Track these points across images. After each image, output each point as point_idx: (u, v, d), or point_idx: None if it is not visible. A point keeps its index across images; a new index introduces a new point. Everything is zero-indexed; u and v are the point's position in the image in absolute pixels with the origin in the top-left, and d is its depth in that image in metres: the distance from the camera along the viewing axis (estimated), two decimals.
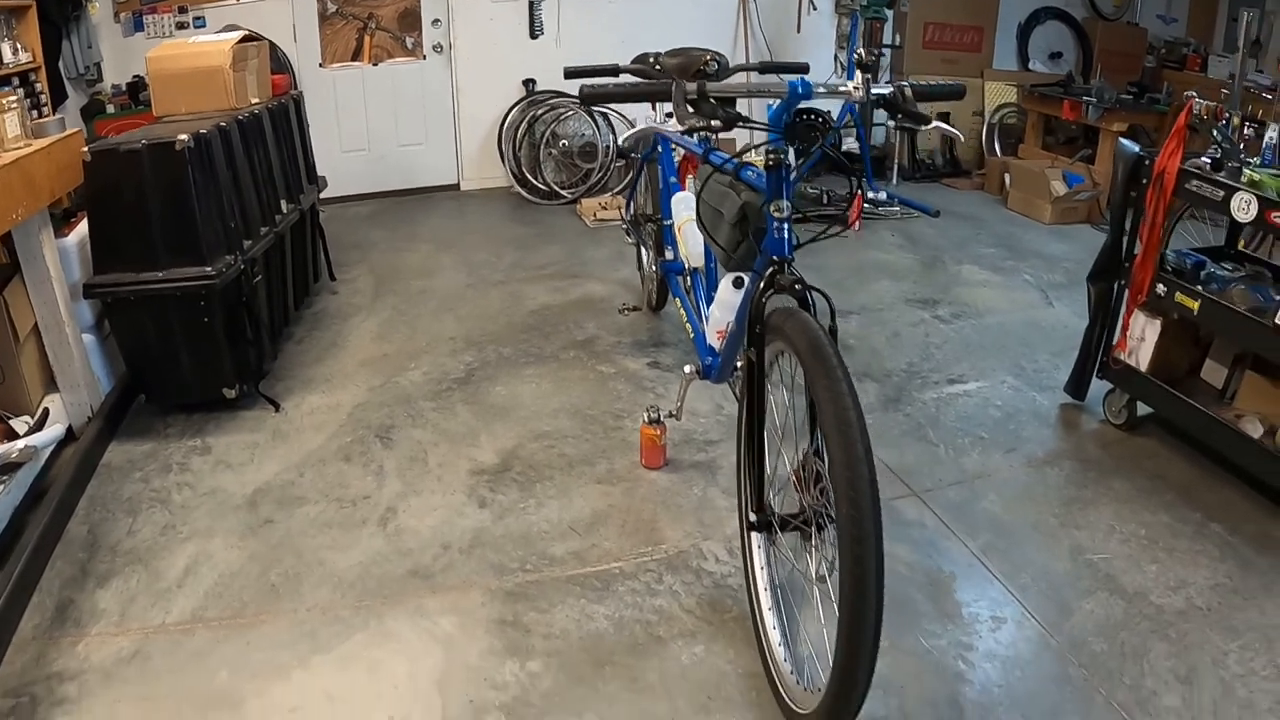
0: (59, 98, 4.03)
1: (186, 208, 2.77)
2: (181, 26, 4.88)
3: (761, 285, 1.83)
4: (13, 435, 2.53)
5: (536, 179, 5.70)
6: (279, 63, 4.89)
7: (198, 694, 1.96)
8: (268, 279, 3.35)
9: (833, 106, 5.81)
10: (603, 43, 5.66)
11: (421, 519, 2.57)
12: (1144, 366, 2.79)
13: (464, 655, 2.05)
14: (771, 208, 1.81)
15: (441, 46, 5.51)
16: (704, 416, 3.04)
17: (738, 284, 2.27)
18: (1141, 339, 2.80)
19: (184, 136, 2.68)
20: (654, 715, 1.87)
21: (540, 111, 5.56)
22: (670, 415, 2.76)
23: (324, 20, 5.15)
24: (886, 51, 6.19)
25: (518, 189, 5.76)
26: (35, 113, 3.47)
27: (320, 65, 5.32)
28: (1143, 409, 2.89)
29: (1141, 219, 2.72)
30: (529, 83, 5.66)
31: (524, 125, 5.58)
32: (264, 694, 1.96)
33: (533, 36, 5.58)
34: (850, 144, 5.84)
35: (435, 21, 5.37)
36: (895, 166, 6.03)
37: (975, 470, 2.73)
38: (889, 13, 5.92)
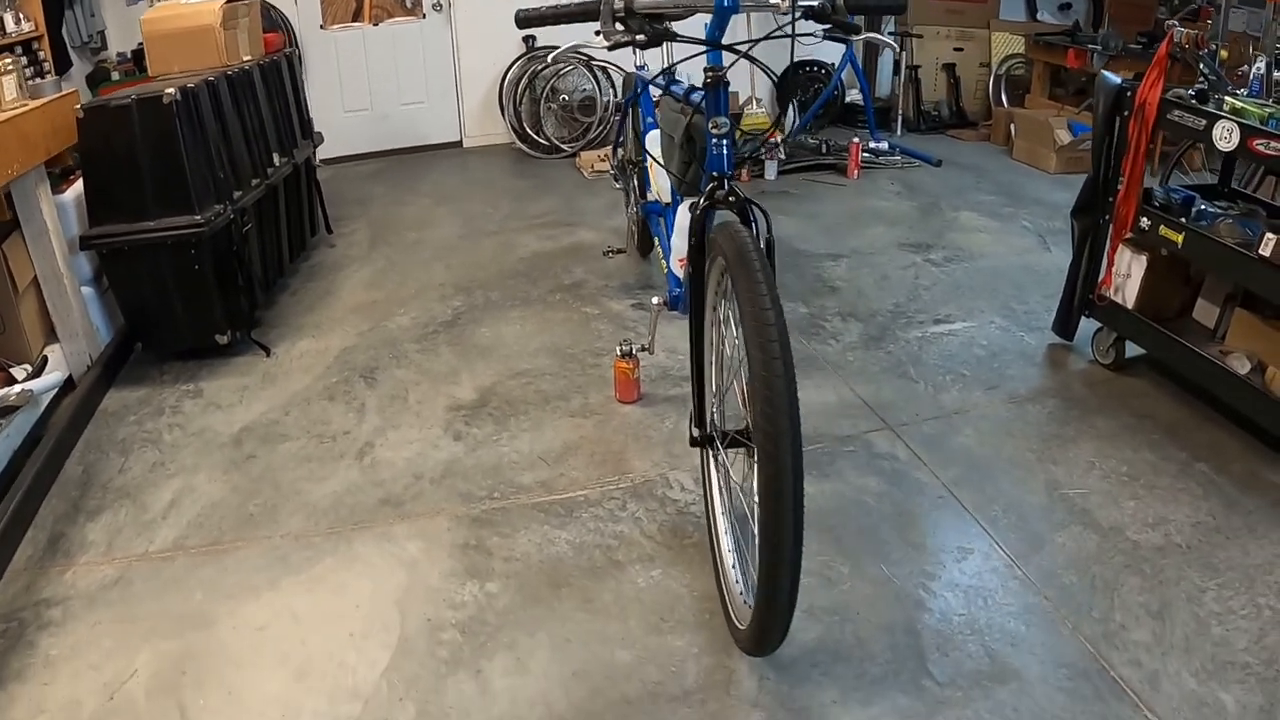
0: (64, 66, 4.10)
1: (175, 159, 2.81)
2: None
3: (701, 201, 1.82)
4: (11, 382, 2.62)
5: (537, 134, 5.67)
6: (272, 22, 4.89)
7: (173, 615, 2.03)
8: (260, 229, 3.39)
9: (833, 56, 5.68)
10: None
11: (397, 451, 2.62)
12: (1130, 303, 2.71)
13: (426, 577, 2.10)
14: (710, 124, 1.78)
15: (441, 5, 5.46)
16: (682, 353, 3.03)
17: (693, 209, 2.26)
18: (1127, 275, 2.71)
19: (171, 90, 2.71)
20: (606, 635, 1.90)
21: (540, 67, 5.51)
22: (642, 349, 2.77)
23: None
24: None
25: (519, 144, 5.73)
26: (40, 77, 3.54)
27: (321, 26, 5.32)
28: (1133, 350, 2.82)
29: (1125, 152, 2.65)
30: (529, 39, 5.60)
31: (524, 81, 5.54)
32: (235, 614, 2.03)
33: None
34: (854, 95, 5.74)
35: None
36: (899, 117, 5.90)
37: (953, 406, 2.70)
38: None
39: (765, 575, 1.51)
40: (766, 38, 1.75)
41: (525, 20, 1.73)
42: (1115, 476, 2.35)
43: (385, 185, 5.45)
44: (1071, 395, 2.76)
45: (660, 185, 2.78)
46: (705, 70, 1.79)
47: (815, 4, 1.71)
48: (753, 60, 1.82)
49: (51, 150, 2.67)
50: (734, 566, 1.91)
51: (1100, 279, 2.81)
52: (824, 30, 1.73)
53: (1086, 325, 2.93)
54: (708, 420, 1.96)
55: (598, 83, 5.55)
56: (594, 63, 5.44)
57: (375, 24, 5.37)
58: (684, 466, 2.44)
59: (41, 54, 3.66)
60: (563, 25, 1.76)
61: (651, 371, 2.90)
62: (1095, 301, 2.83)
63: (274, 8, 5.18)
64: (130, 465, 2.63)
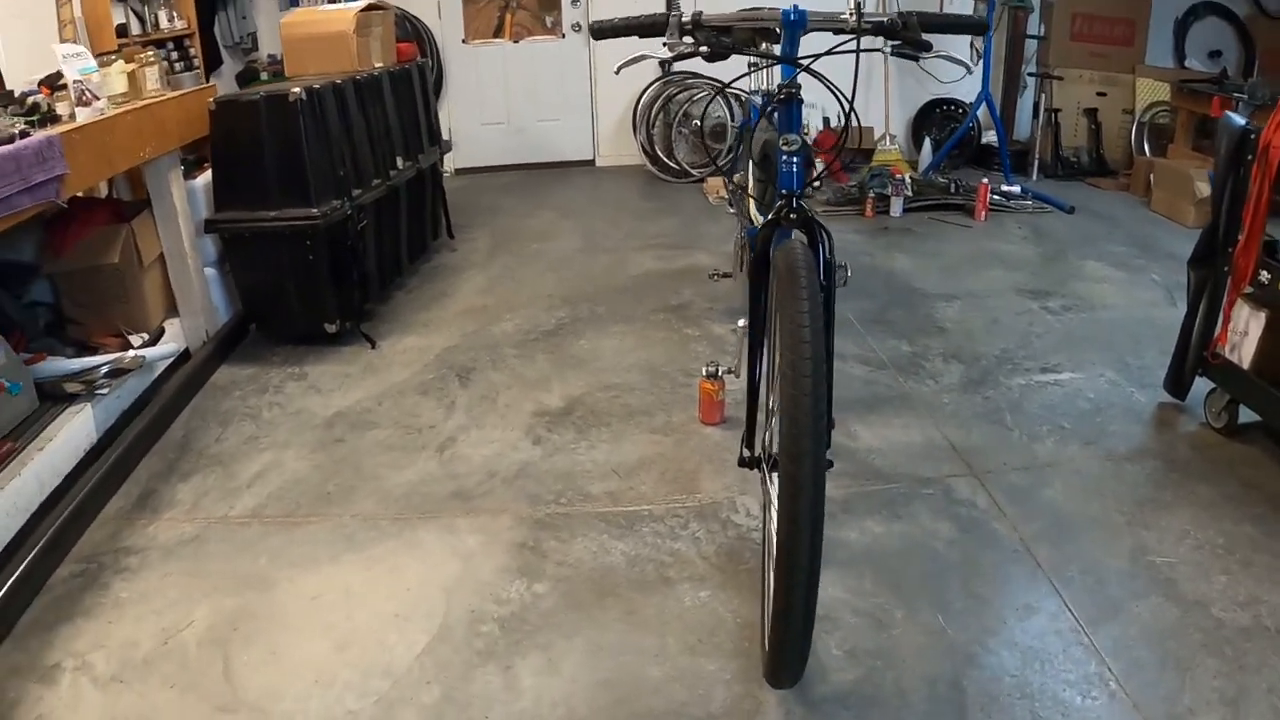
0: (214, 64, 4.51)
1: (297, 154, 3.04)
2: (332, 2, 5.29)
3: (769, 218, 1.79)
4: (127, 347, 2.88)
5: (669, 158, 5.76)
6: (407, 32, 5.20)
7: (237, 575, 2.16)
8: (379, 228, 3.60)
9: (972, 95, 5.50)
10: None
11: (477, 449, 2.70)
12: (1246, 364, 2.45)
13: (478, 570, 2.14)
14: (781, 141, 1.76)
15: (580, 25, 5.67)
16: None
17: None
18: (1244, 333, 2.46)
19: (296, 90, 2.95)
20: (641, 648, 1.87)
21: (675, 92, 5.62)
22: (729, 372, 2.74)
23: (468, 1, 5.45)
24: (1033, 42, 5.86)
25: (650, 167, 5.85)
26: (188, 73, 3.92)
27: (463, 41, 5.63)
28: (1248, 415, 2.55)
29: (1246, 199, 2.43)
30: (665, 64, 5.72)
31: (658, 105, 5.66)
32: (294, 581, 2.13)
33: (669, 11, 5.63)
34: (991, 136, 5.56)
35: (574, 1, 5.54)
36: (1036, 161, 5.64)
37: (1046, 458, 2.52)
38: (1034, 2, 5.55)
39: (779, 599, 1.45)
40: (829, 53, 1.72)
41: (600, 31, 1.78)
42: (1210, 548, 2.13)
43: (515, 197, 5.68)
44: (1175, 458, 2.53)
45: (754, 209, 2.76)
46: (780, 87, 1.78)
47: (884, 20, 1.67)
48: (817, 75, 1.77)
49: (185, 138, 2.96)
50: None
51: (1215, 336, 2.56)
52: (893, 46, 1.68)
53: (1202, 385, 2.68)
54: (757, 441, 1.91)
55: (730, 109, 5.60)
56: (727, 90, 5.49)
57: (515, 41, 5.63)
58: (754, 492, 2.39)
59: (192, 51, 4.06)
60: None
61: (738, 394, 2.86)
62: (1209, 360, 2.58)
63: (418, 21, 5.53)
64: (227, 436, 2.83)
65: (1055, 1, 5.81)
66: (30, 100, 2.52)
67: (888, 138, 5.49)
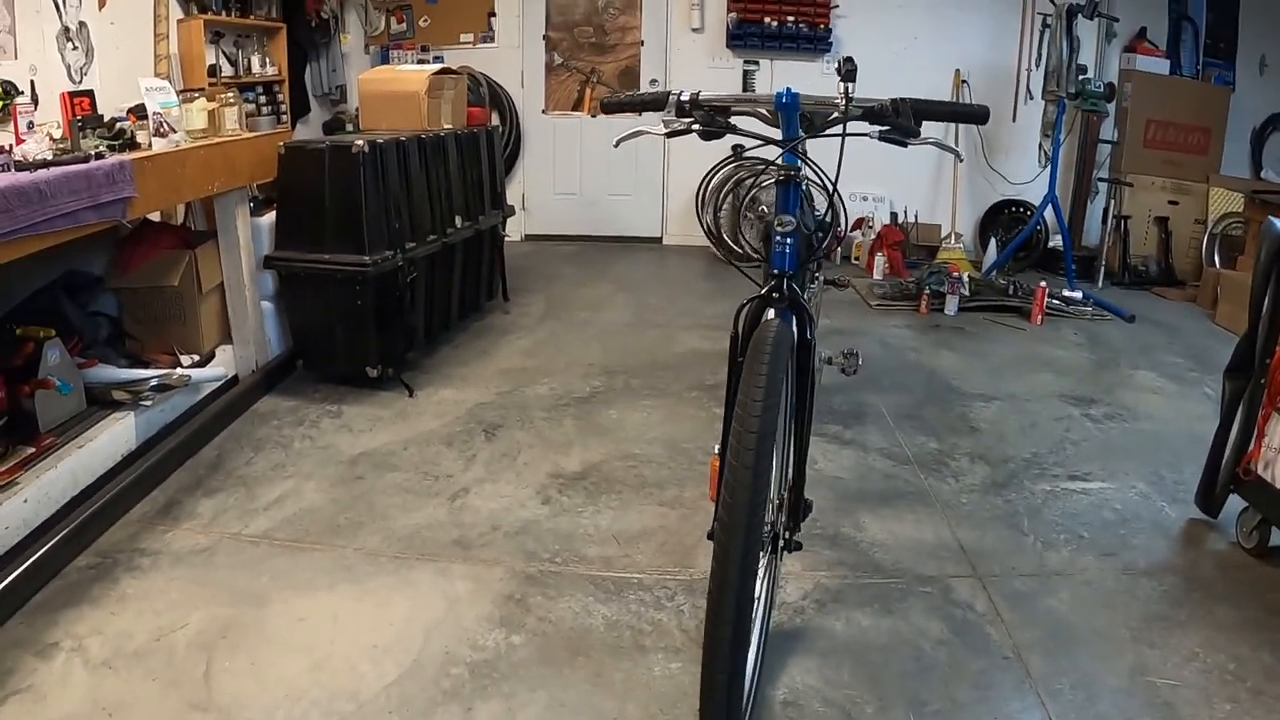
0: (303, 111, 4.95)
1: (354, 203, 3.35)
2: (422, 63, 5.78)
3: (757, 298, 1.88)
4: (177, 366, 3.15)
5: (734, 241, 5.95)
6: (483, 98, 5.59)
7: (236, 588, 2.33)
8: (431, 282, 3.87)
9: (1035, 196, 5.55)
10: None
11: (487, 502, 2.84)
12: (1279, 483, 2.44)
13: (462, 615, 2.26)
14: (776, 222, 1.90)
15: None
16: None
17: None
18: (1279, 450, 2.45)
19: (360, 143, 3.26)
20: (599, 710, 1.95)
21: (744, 176, 5.85)
22: None
23: (550, 71, 5.87)
24: (1107, 147, 5.93)
25: (713, 249, 6.05)
26: (275, 118, 4.34)
27: (543, 111, 6.03)
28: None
29: None
30: (737, 148, 5.93)
31: (727, 188, 5.89)
32: (287, 601, 2.29)
33: None
34: (1058, 240, 5.59)
35: (653, 81, 5.89)
36: (1103, 268, 5.67)
37: (1057, 566, 2.52)
38: (1109, 107, 5.63)
39: (702, 675, 1.51)
40: (815, 135, 1.85)
41: (608, 106, 1.96)
42: (1218, 673, 2.08)
43: (577, 267, 5.96)
44: (1196, 576, 2.49)
45: None
46: (778, 169, 1.91)
47: (873, 105, 1.80)
48: (803, 159, 1.90)
49: (255, 178, 3.31)
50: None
51: (1249, 451, 2.53)
52: (881, 132, 1.80)
53: (1236, 502, 2.64)
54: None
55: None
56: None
57: (593, 116, 5.98)
58: None
59: (280, 96, 4.49)
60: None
61: None
62: (1241, 476, 2.54)
63: (501, 88, 5.94)
64: (257, 460, 3.05)
65: (1130, 106, 5.90)
66: (118, 126, 2.88)
67: (953, 235, 5.58)
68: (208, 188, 2.98)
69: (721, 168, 5.85)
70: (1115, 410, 3.66)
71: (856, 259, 5.86)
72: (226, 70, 4.21)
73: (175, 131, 2.84)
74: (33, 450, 2.48)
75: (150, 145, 2.80)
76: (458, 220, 3.97)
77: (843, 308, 5.04)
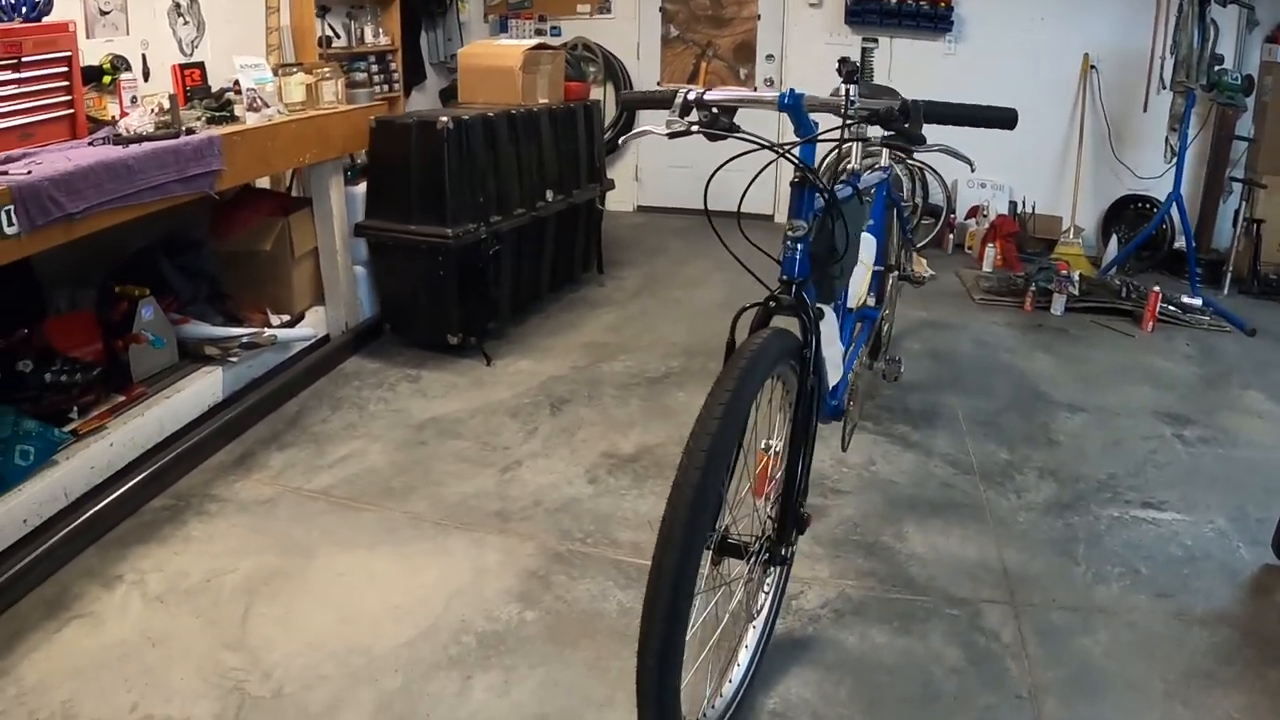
0: (418, 79, 5.14)
1: (438, 177, 3.50)
2: (539, 33, 5.92)
3: (758, 304, 1.88)
4: (267, 325, 3.43)
5: None
6: (590, 70, 5.62)
7: (288, 540, 2.56)
8: (519, 254, 4.01)
9: (1164, 192, 5.16)
10: (931, 94, 5.56)
11: (535, 477, 2.96)
12: None
13: (485, 587, 2.39)
14: (788, 226, 1.88)
15: (772, 81, 5.89)
16: (850, 466, 3.02)
17: (818, 315, 2.32)
18: None
19: (444, 119, 3.40)
20: (590, 695, 2.02)
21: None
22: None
23: (666, 43, 5.86)
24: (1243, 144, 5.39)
25: None
26: (386, 87, 4.55)
27: (658, 84, 6.01)
28: None
29: None
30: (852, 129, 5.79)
31: (841, 170, 5.75)
32: (331, 557, 2.49)
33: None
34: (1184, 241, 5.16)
35: (769, 56, 5.79)
36: (1230, 274, 5.20)
37: (1103, 602, 2.38)
38: (1247, 101, 5.09)
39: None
40: (813, 139, 1.81)
41: (627, 103, 1.99)
42: None
43: (682, 241, 5.97)
44: (1256, 630, 2.29)
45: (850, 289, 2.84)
46: (795, 169, 1.88)
47: (879, 109, 1.74)
48: (786, 157, 1.85)
49: (348, 149, 3.52)
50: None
51: None
52: (884, 137, 1.75)
53: None
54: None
55: (913, 184, 5.59)
56: (910, 162, 5.50)
57: (708, 89, 5.89)
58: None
59: (394, 66, 4.68)
60: None
61: None
62: None
63: (616, 59, 5.98)
64: (332, 419, 3.29)
65: (1270, 101, 5.33)
66: (225, 96, 3.12)
67: (1072, 229, 5.26)
68: (298, 159, 3.21)
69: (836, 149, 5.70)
70: (1212, 433, 3.39)
71: (969, 248, 5.62)
72: (340, 41, 4.47)
73: (268, 106, 3.06)
74: (123, 398, 2.78)
75: (245, 119, 3.04)
76: (549, 194, 4.09)
77: (943, 300, 4.86)
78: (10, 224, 2.08)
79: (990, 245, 5.11)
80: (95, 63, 2.87)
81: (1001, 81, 5.55)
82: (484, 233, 3.63)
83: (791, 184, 1.90)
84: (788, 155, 1.80)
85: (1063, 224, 5.40)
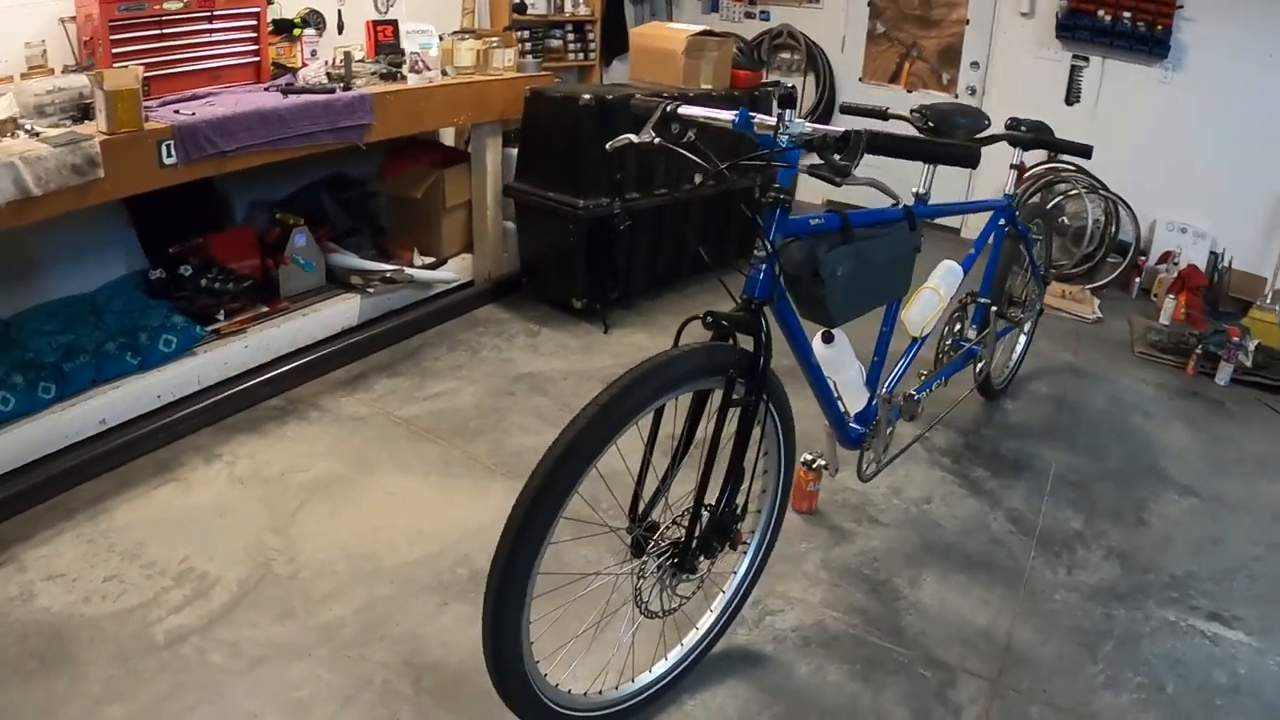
0: (619, 50, 5.36)
1: (576, 149, 3.74)
2: (749, 16, 5.95)
3: (703, 315, 1.92)
4: (411, 265, 3.88)
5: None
6: (814, 62, 5.55)
7: (360, 455, 2.97)
8: (658, 233, 4.19)
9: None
10: (1140, 124, 5.16)
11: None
12: None
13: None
14: (755, 247, 1.93)
15: (975, 89, 5.59)
16: (901, 499, 2.97)
17: (826, 339, 2.34)
18: None
19: (587, 95, 3.63)
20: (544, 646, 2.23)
21: (1052, 180, 5.28)
22: (825, 466, 2.84)
23: (871, 39, 5.68)
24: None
25: None
26: (582, 55, 4.83)
27: (859, 79, 5.87)
28: None
29: None
30: (1051, 152, 5.39)
31: (1034, 193, 5.38)
32: (388, 477, 2.87)
33: (1067, 102, 5.27)
34: None
35: (974, 64, 5.46)
36: None
37: (1101, 712, 2.19)
38: None
39: None
40: (752, 159, 1.83)
41: (634, 107, 2.08)
42: None
43: None
44: None
45: (911, 316, 2.77)
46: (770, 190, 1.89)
47: (806, 132, 1.74)
48: (724, 173, 1.85)
49: (505, 114, 3.85)
50: None
51: None
52: (809, 166, 1.73)
53: None
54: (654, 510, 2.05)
55: (1106, 215, 5.13)
56: (1102, 190, 5.05)
57: (909, 90, 5.71)
58: (782, 593, 2.50)
59: (591, 36, 4.93)
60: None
61: (849, 496, 2.93)
62: None
63: (820, 51, 5.91)
64: (444, 358, 3.69)
65: None
66: (409, 55, 3.54)
67: (1271, 294, 4.59)
68: (452, 120, 3.60)
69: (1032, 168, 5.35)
70: None
71: (1155, 295, 5.02)
72: (538, 9, 4.82)
73: (430, 69, 3.45)
74: (267, 310, 3.32)
75: (407, 79, 3.45)
76: (697, 178, 4.22)
77: (1098, 346, 4.44)
78: (170, 155, 2.59)
79: (1172, 296, 4.61)
80: (290, 17, 3.38)
81: (1219, 120, 4.97)
82: (617, 207, 3.85)
83: (763, 204, 1.94)
84: (724, 171, 1.86)
85: (1266, 286, 4.73)
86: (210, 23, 2.91)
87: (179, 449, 2.93)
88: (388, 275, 3.67)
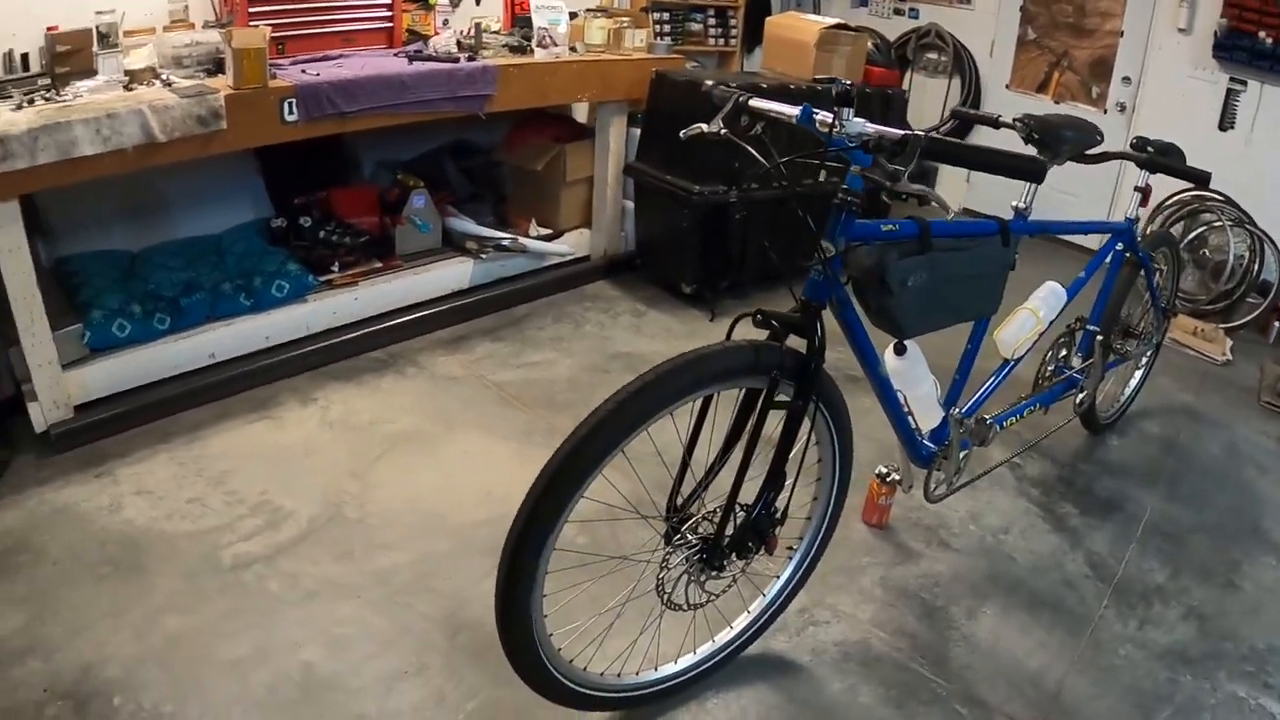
0: (760, 39, 5.27)
1: None
2: (898, 13, 5.71)
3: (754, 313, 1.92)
4: (524, 233, 3.98)
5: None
6: (963, 64, 5.31)
7: (446, 412, 3.10)
8: (773, 225, 4.12)
9: None
10: None
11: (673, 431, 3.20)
12: None
13: None
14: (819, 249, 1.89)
15: (1124, 106, 5.16)
16: (977, 526, 2.83)
17: (898, 351, 2.24)
18: None
19: (710, 81, 3.56)
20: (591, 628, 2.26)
21: (1197, 208, 4.82)
22: (897, 480, 2.74)
23: (1021, 45, 5.31)
24: None
25: None
26: (723, 40, 4.79)
27: (1006, 86, 5.53)
28: None
29: None
30: (1201, 181, 4.89)
31: (1180, 221, 4.92)
32: (468, 438, 2.98)
33: (1220, 128, 4.76)
34: None
35: (1125, 79, 5.02)
36: None
37: None
38: None
39: None
40: (803, 156, 1.81)
41: (711, 98, 2.08)
42: None
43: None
44: None
45: (1004, 336, 2.62)
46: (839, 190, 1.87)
47: (868, 133, 1.67)
48: (779, 172, 1.80)
49: (630, 94, 3.87)
50: None
51: None
52: (863, 169, 1.66)
53: None
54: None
55: (1250, 251, 4.63)
56: (1249, 225, 4.55)
57: (1056, 101, 5.33)
58: (837, 605, 2.46)
59: (733, 21, 4.88)
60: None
61: (925, 517, 2.83)
62: None
63: (968, 53, 5.64)
64: (547, 329, 3.78)
65: None
66: (537, 29, 3.62)
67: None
68: (575, 96, 3.66)
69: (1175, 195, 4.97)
70: None
71: None
72: None
73: (556, 45, 3.50)
74: (380, 266, 3.49)
75: (534, 54, 3.52)
76: (822, 174, 4.11)
77: (1223, 390, 4.05)
78: (291, 113, 2.76)
79: None
80: None
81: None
82: (733, 196, 3.81)
83: (831, 204, 1.90)
84: (780, 168, 1.83)
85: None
86: None
87: (278, 389, 3.14)
88: (502, 243, 3.78)
